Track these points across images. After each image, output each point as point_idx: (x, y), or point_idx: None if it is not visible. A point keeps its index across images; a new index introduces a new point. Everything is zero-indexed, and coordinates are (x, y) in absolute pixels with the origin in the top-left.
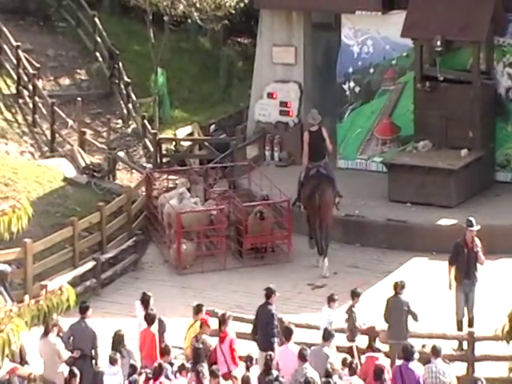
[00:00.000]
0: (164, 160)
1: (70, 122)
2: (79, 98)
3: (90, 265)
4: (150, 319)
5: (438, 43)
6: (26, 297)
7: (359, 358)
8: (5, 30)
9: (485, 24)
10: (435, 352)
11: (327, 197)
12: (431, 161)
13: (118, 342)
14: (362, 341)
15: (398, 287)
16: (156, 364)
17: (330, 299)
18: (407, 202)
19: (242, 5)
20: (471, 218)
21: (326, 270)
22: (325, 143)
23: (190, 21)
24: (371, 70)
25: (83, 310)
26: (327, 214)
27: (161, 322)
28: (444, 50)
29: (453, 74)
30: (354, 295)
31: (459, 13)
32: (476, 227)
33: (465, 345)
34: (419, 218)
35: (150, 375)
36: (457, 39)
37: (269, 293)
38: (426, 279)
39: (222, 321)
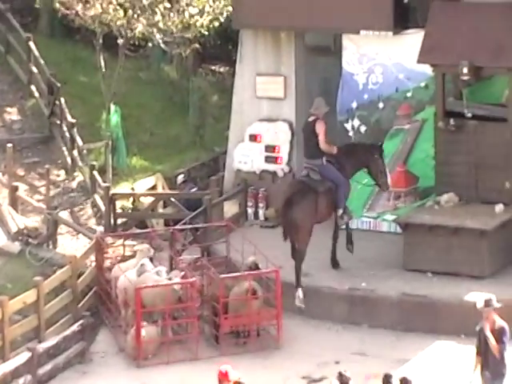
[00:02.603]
0: (119, 221)
1: None
2: (10, 144)
3: (23, 357)
4: None
5: (465, 71)
6: None
7: None
8: None
9: None
10: None
11: (297, 215)
12: (458, 219)
13: None
14: None
15: None
16: None
17: None
18: (428, 271)
19: (216, 24)
20: (488, 296)
21: (298, 301)
22: (314, 139)
23: (151, 45)
24: (380, 105)
25: None
26: (297, 238)
27: None
28: (472, 80)
29: (484, 109)
30: None
31: (491, 33)
32: (493, 306)
33: None
34: (443, 292)
35: None
36: (488, 66)
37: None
38: (452, 369)
39: None
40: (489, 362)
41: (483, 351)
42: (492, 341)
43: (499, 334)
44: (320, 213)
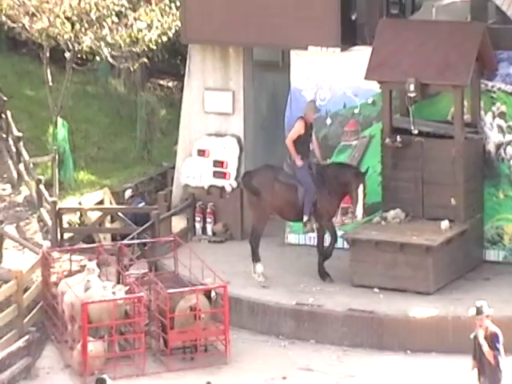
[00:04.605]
0: (66, 236)
1: None
2: None
3: None
4: None
5: (412, 88)
6: None
7: None
8: None
9: (469, 64)
10: None
11: (251, 185)
12: (404, 235)
13: None
14: None
15: None
16: None
17: None
18: (374, 287)
19: (164, 39)
20: (479, 303)
21: (257, 276)
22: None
23: (98, 59)
24: (328, 121)
25: None
26: (251, 211)
27: None
28: (419, 97)
29: (430, 126)
30: None
31: (437, 50)
32: (485, 313)
33: None
34: (389, 308)
35: None
36: (434, 83)
37: None
38: None
39: None
40: (485, 369)
41: (478, 358)
42: (486, 348)
43: (492, 340)
44: (276, 199)
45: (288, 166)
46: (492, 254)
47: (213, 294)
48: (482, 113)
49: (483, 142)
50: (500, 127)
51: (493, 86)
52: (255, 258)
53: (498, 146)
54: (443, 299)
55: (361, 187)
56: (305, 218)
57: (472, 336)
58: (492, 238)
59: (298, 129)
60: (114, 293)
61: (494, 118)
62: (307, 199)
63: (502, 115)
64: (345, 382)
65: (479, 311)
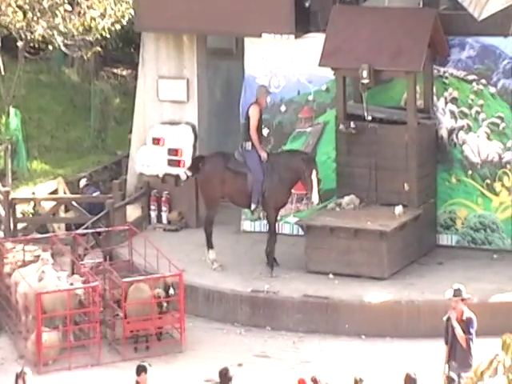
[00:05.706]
0: (19, 226)
1: None
2: None
3: None
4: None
5: (365, 74)
6: None
7: None
8: None
9: (421, 50)
10: None
11: (200, 172)
12: (358, 221)
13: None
14: None
15: None
16: None
17: None
18: (329, 273)
19: (118, 27)
20: (457, 286)
21: (209, 261)
22: (248, 123)
23: (51, 47)
24: (282, 108)
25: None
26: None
27: None
28: (372, 83)
29: (383, 112)
30: None
31: (390, 37)
32: (461, 296)
33: None
34: (344, 294)
35: None
36: (387, 69)
37: None
38: (352, 369)
39: None
40: (456, 352)
41: (450, 341)
42: (459, 330)
43: (467, 325)
44: (226, 186)
45: (239, 153)
46: (445, 239)
47: (171, 291)
48: (435, 98)
49: (436, 128)
50: (452, 112)
51: (445, 72)
52: (208, 244)
53: (451, 132)
54: (397, 284)
55: (314, 173)
56: (252, 206)
57: (445, 318)
58: (445, 222)
59: (255, 115)
60: (71, 284)
61: (446, 103)
62: (255, 187)
63: (454, 101)
64: (300, 367)
65: (456, 293)
